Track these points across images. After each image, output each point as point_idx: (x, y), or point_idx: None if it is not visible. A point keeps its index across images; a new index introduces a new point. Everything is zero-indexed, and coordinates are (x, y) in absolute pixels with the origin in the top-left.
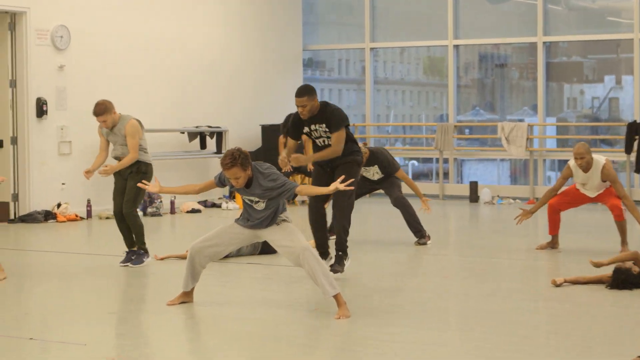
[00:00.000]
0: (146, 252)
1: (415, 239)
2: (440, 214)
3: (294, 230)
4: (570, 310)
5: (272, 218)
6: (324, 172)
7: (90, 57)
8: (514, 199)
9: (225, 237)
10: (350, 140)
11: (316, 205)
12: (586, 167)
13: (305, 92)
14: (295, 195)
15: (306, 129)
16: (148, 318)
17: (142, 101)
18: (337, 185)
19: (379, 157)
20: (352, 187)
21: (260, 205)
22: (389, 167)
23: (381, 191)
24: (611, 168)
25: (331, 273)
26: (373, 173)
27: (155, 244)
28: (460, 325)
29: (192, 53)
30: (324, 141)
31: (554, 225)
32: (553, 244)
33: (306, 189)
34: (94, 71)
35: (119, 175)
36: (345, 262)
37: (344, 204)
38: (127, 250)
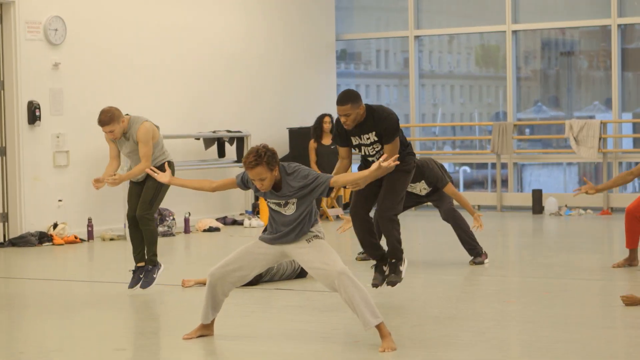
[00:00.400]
0: (156, 265)
1: (470, 258)
2: (498, 228)
3: (327, 250)
4: None
5: (301, 228)
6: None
7: (90, 54)
8: (585, 209)
9: (249, 258)
10: (401, 143)
11: (358, 212)
12: None
13: (348, 99)
14: (331, 190)
15: (355, 141)
16: (161, 355)
17: (151, 103)
18: (381, 163)
19: (425, 172)
20: (398, 162)
21: (290, 209)
22: (437, 183)
23: (430, 204)
24: None
25: (372, 301)
26: (420, 189)
27: (166, 270)
28: (524, 358)
29: (208, 46)
30: (372, 150)
31: (632, 237)
32: (631, 261)
33: (342, 177)
34: (94, 70)
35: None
36: (401, 268)
37: (388, 220)
38: (134, 268)
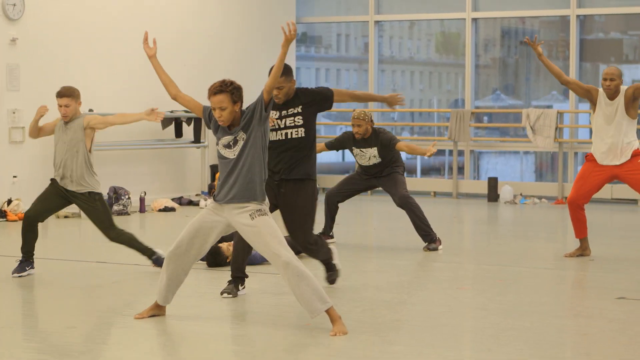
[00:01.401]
0: (156, 259)
1: (424, 244)
2: (453, 215)
3: (271, 232)
4: (603, 327)
5: (245, 188)
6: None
7: (48, 29)
8: (540, 198)
9: (200, 234)
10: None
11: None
12: (613, 93)
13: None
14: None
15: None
16: (112, 333)
17: (108, 80)
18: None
19: (379, 135)
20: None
21: (235, 151)
22: (389, 142)
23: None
24: None
25: (319, 286)
26: (370, 157)
27: (119, 250)
28: (475, 345)
29: (162, 23)
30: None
31: (579, 226)
32: (583, 250)
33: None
34: (52, 46)
35: (58, 190)
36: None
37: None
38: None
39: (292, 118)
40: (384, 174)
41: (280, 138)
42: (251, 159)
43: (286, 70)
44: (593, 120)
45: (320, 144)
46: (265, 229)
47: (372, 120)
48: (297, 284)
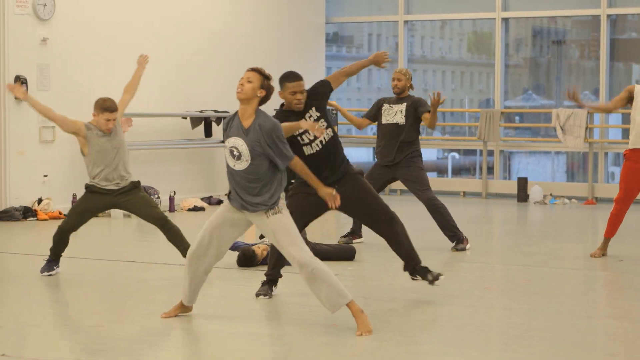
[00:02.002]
0: None
1: (452, 244)
2: (482, 215)
3: (288, 232)
4: (629, 329)
5: (261, 196)
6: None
7: (78, 29)
8: (570, 198)
9: (220, 233)
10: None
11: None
12: None
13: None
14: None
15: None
16: (137, 332)
17: None
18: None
19: (413, 98)
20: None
21: (242, 164)
22: (418, 107)
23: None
24: None
25: (338, 281)
26: (395, 112)
27: (149, 249)
28: (500, 345)
29: (194, 25)
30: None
31: (616, 225)
32: (604, 249)
33: (302, 167)
34: (82, 46)
35: (101, 195)
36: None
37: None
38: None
39: (318, 123)
40: (403, 164)
41: (318, 149)
42: (260, 166)
43: (299, 75)
44: (633, 117)
45: (360, 119)
46: (283, 227)
47: (411, 82)
48: (314, 281)
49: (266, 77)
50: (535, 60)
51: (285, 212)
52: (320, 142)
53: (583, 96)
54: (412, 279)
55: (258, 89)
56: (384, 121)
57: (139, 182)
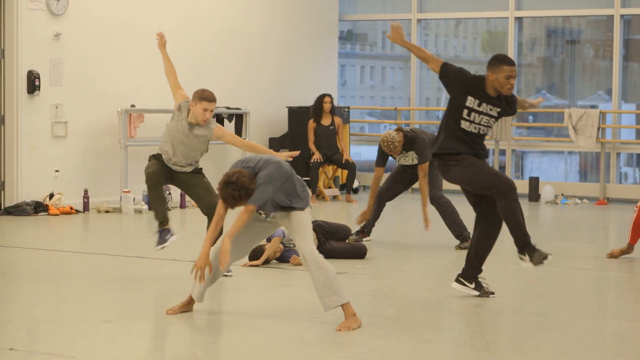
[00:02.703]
0: None
1: (458, 243)
2: None
3: (302, 225)
4: (638, 329)
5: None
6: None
7: (91, 25)
8: (581, 198)
9: (246, 232)
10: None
11: None
12: None
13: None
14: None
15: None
16: (148, 328)
17: (149, 76)
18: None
19: (414, 143)
20: None
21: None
22: (419, 156)
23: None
24: None
25: (337, 281)
26: (412, 159)
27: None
28: (511, 345)
29: (207, 21)
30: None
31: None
32: (628, 251)
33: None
34: (95, 41)
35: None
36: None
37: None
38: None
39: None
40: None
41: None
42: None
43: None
44: None
45: (376, 173)
46: (299, 221)
47: (402, 132)
48: (315, 277)
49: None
50: (549, 59)
51: (307, 210)
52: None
53: (597, 96)
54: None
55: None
56: (405, 163)
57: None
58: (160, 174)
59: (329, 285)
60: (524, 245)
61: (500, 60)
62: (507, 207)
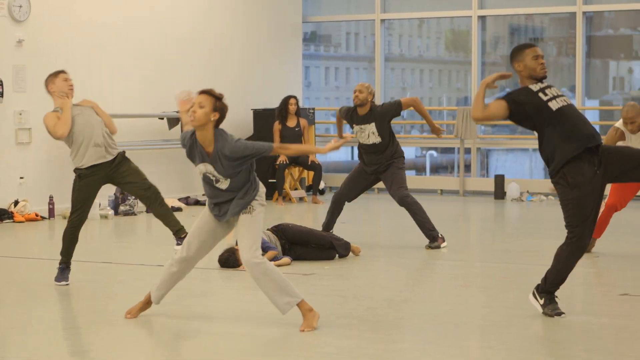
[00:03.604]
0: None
1: (428, 243)
2: (460, 212)
3: (250, 229)
4: (606, 324)
5: (243, 199)
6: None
7: (54, 30)
8: (547, 195)
9: (203, 237)
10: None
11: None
12: (638, 129)
13: None
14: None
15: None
16: (116, 334)
17: (114, 81)
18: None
19: (377, 109)
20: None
21: (224, 184)
22: (390, 108)
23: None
24: None
25: (287, 281)
26: (369, 134)
27: (125, 250)
28: (478, 342)
29: (170, 24)
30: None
31: (604, 227)
32: (589, 247)
33: (286, 147)
34: (58, 47)
35: None
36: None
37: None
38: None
39: None
40: (386, 167)
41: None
42: (243, 178)
43: None
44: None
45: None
46: (249, 224)
47: (373, 95)
48: (262, 284)
49: (218, 98)
50: None
51: (256, 214)
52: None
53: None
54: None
55: (211, 112)
56: (361, 141)
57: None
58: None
59: (279, 289)
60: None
61: (518, 49)
62: None
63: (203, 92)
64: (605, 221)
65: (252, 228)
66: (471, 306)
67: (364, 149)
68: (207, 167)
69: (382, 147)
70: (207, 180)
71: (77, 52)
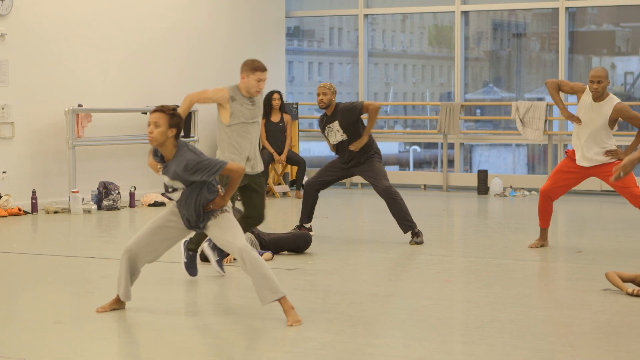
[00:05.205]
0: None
1: (411, 239)
2: (443, 207)
3: (230, 225)
4: (587, 319)
5: (200, 212)
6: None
7: (36, 25)
8: (529, 190)
9: (160, 234)
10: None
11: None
12: (601, 95)
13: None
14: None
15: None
16: (99, 329)
17: (97, 76)
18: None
19: (339, 106)
20: None
21: (176, 195)
22: (350, 111)
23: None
24: (629, 108)
25: (273, 276)
26: (335, 132)
27: (108, 245)
28: (461, 337)
29: (152, 19)
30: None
31: (546, 216)
32: (543, 241)
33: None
34: (41, 41)
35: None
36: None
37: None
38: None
39: None
40: (361, 162)
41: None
42: (194, 191)
43: None
44: None
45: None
46: (226, 221)
47: (335, 93)
48: (251, 271)
49: (171, 115)
50: (496, 53)
51: (222, 216)
52: None
53: (543, 88)
54: None
55: (167, 130)
56: (332, 141)
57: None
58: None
59: (267, 280)
60: None
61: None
62: None
63: (156, 110)
64: (543, 209)
65: (228, 221)
66: (454, 301)
67: (336, 149)
68: (165, 179)
69: (349, 142)
70: (164, 187)
71: (59, 46)
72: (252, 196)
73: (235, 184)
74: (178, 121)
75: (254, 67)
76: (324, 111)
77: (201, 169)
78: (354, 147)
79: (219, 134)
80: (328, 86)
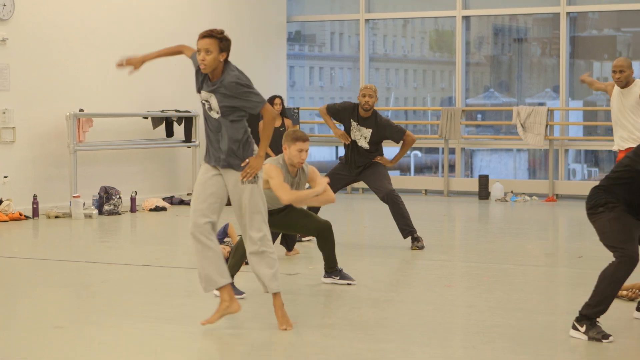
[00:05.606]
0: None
1: (412, 244)
2: (444, 212)
3: (254, 204)
4: None
5: (231, 149)
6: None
7: (38, 29)
8: (531, 195)
9: (207, 190)
10: None
11: None
12: (625, 83)
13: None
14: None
15: None
16: (100, 334)
17: (97, 80)
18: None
19: (378, 120)
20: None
21: (214, 114)
22: (387, 133)
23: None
24: None
25: (277, 268)
26: (362, 136)
27: (110, 250)
28: (462, 342)
29: (154, 24)
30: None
31: None
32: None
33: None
34: (42, 46)
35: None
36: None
37: None
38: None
39: None
40: (367, 166)
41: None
42: (231, 118)
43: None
44: None
45: (321, 107)
46: (252, 196)
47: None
48: (259, 261)
49: (221, 39)
50: (497, 58)
51: (259, 184)
52: None
53: (544, 93)
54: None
55: (219, 55)
56: (352, 137)
57: None
58: None
59: (274, 274)
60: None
61: None
62: None
63: (205, 35)
64: None
65: (253, 199)
66: (455, 306)
67: (353, 144)
68: (206, 95)
69: (366, 153)
70: (204, 110)
71: (60, 51)
72: (295, 217)
73: (268, 131)
74: (228, 45)
75: (295, 137)
76: (321, 111)
77: (249, 90)
78: (383, 161)
79: None
80: (374, 89)
